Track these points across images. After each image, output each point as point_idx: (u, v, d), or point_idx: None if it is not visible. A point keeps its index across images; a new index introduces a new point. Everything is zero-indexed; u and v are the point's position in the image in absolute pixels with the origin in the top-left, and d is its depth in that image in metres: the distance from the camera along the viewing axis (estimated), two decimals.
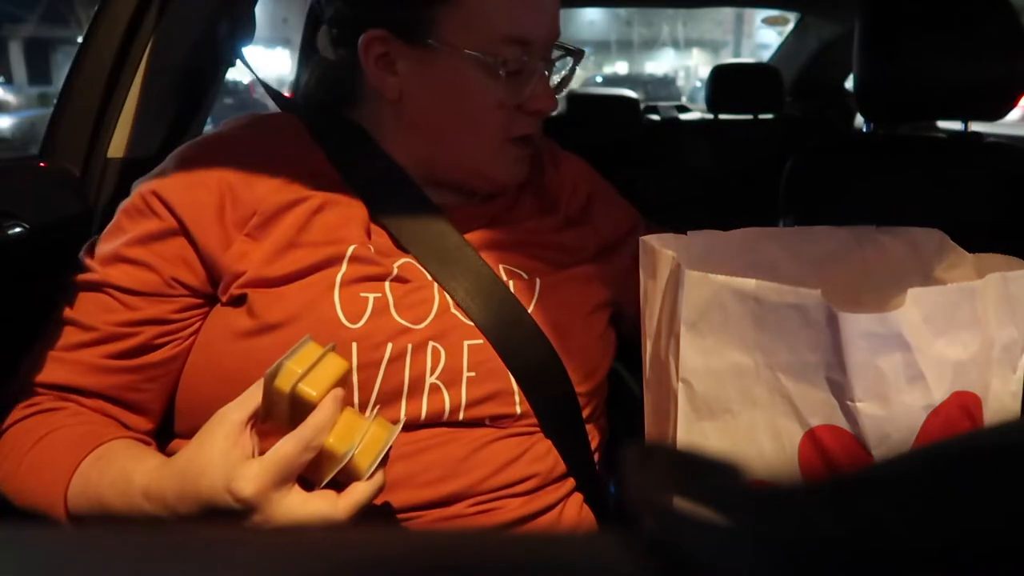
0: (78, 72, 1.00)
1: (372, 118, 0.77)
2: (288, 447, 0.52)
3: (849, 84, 2.04)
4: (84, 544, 0.20)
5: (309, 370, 0.54)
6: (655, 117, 2.62)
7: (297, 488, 0.54)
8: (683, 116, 2.68)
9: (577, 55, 0.80)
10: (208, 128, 1.25)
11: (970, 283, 0.50)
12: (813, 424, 0.50)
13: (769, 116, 2.34)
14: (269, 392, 0.54)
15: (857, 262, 0.66)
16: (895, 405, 0.48)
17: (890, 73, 1.13)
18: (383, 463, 0.56)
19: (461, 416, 0.67)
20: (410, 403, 0.66)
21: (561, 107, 2.63)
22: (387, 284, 0.69)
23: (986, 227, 0.82)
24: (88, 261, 0.70)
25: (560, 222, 0.80)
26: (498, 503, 0.68)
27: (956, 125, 1.28)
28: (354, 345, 0.65)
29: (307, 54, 0.82)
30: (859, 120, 2.33)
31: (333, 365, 0.55)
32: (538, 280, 0.74)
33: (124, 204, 0.71)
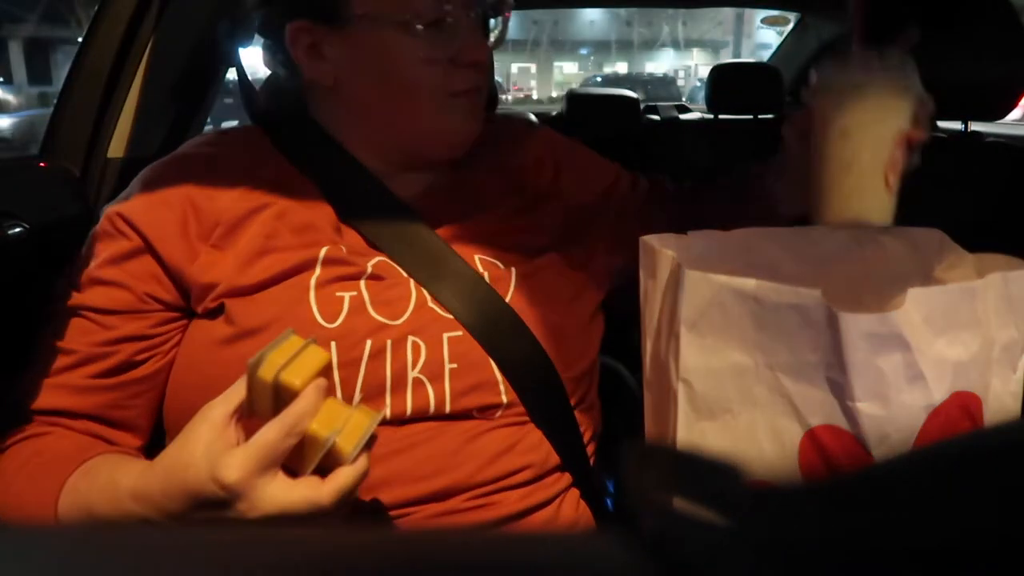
0: (78, 72, 1.00)
1: (327, 117, 0.78)
2: (271, 433, 0.52)
3: None
4: (83, 543, 0.20)
5: (291, 361, 0.54)
6: (655, 117, 2.62)
7: (282, 475, 0.54)
8: (683, 116, 2.68)
9: (507, 4, 0.81)
10: (208, 128, 1.25)
11: (970, 283, 0.50)
12: (813, 424, 0.50)
13: (769, 116, 2.34)
14: (252, 383, 0.54)
15: (857, 262, 0.66)
16: (895, 405, 0.48)
17: None
18: (368, 449, 0.56)
19: (448, 409, 0.67)
20: (394, 398, 0.66)
21: (561, 107, 2.63)
22: (362, 282, 0.69)
23: (986, 227, 0.82)
24: (65, 288, 0.71)
25: (529, 202, 0.80)
26: (495, 497, 0.68)
27: (956, 125, 1.28)
28: (333, 344, 0.65)
29: (268, 75, 0.84)
30: None
31: (315, 356, 0.56)
32: (513, 269, 0.74)
33: (93, 230, 0.73)
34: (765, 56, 3.28)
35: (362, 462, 0.55)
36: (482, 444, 0.68)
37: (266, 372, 0.53)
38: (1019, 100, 1.15)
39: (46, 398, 0.68)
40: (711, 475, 0.20)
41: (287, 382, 0.53)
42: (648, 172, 0.97)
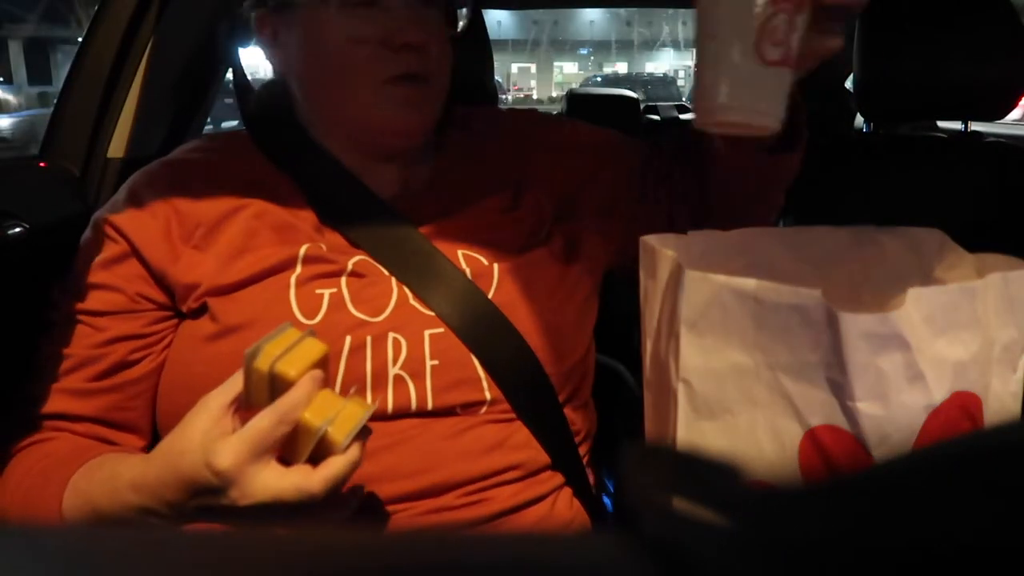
0: (78, 72, 1.00)
1: (301, 112, 0.79)
2: (264, 421, 0.53)
3: (849, 84, 2.04)
4: (84, 544, 0.20)
5: (288, 351, 0.55)
6: (655, 117, 2.62)
7: (274, 463, 0.54)
8: (683, 116, 2.68)
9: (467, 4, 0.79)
10: (208, 128, 1.25)
11: (970, 283, 0.50)
12: (813, 424, 0.50)
13: None
14: (248, 373, 0.55)
15: (857, 262, 0.66)
16: (895, 405, 0.48)
17: (890, 73, 1.13)
18: (362, 440, 0.56)
19: (430, 405, 0.67)
20: (375, 395, 0.66)
21: (561, 106, 2.63)
22: (343, 280, 0.70)
23: (986, 227, 0.82)
24: (60, 295, 0.72)
25: (513, 193, 0.79)
26: (488, 493, 0.68)
27: (956, 125, 1.28)
28: None
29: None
30: (859, 120, 2.33)
31: (311, 348, 0.56)
32: (496, 264, 0.74)
33: (84, 236, 0.75)
34: None
35: (354, 451, 0.55)
36: (468, 441, 0.68)
37: (262, 362, 0.54)
38: (1019, 100, 1.15)
39: (48, 403, 0.68)
40: (711, 475, 0.20)
41: (282, 372, 0.54)
42: None
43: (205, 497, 0.54)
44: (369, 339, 0.67)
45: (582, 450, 0.77)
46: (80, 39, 1.03)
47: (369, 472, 0.64)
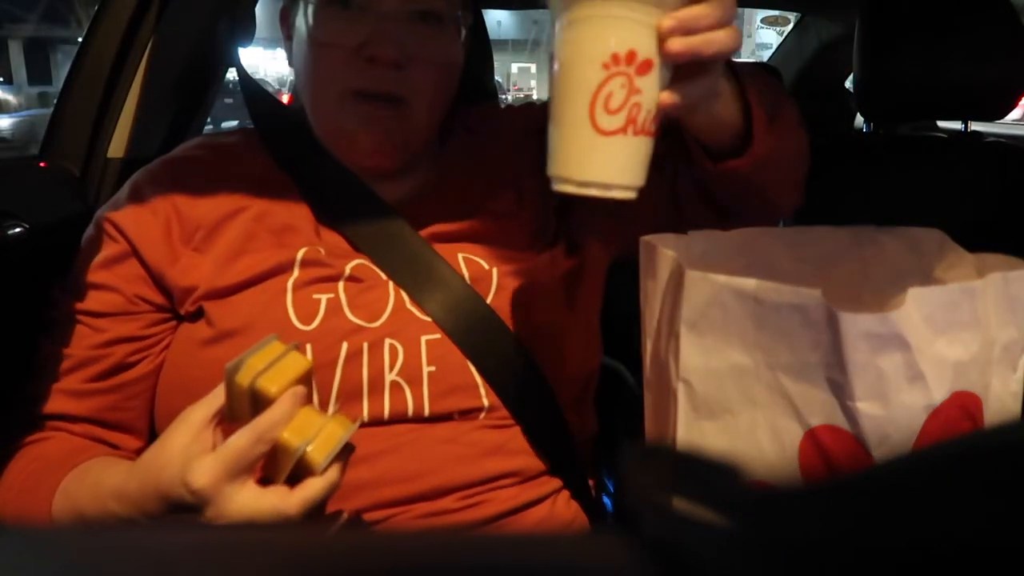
0: (78, 72, 1.00)
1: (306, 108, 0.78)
2: (241, 440, 0.52)
3: (849, 84, 2.04)
4: (82, 545, 0.20)
5: (269, 367, 0.54)
6: None
7: (251, 483, 0.53)
8: None
9: (465, 21, 0.73)
10: (208, 128, 1.25)
11: (970, 283, 0.50)
12: (813, 424, 0.50)
13: None
14: (230, 388, 0.54)
15: (857, 262, 0.66)
16: (895, 405, 0.48)
17: (890, 73, 1.13)
18: (342, 460, 0.55)
19: (427, 412, 0.67)
20: (371, 402, 0.66)
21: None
22: (340, 285, 0.69)
23: (986, 227, 0.82)
24: (61, 293, 0.72)
25: (513, 197, 0.78)
26: (486, 495, 0.68)
27: (956, 125, 1.28)
28: (309, 347, 0.66)
29: None
30: (859, 120, 2.33)
31: (295, 363, 0.55)
32: (496, 269, 0.73)
33: (85, 234, 0.74)
34: (765, 56, 3.28)
35: (332, 473, 0.54)
36: (466, 444, 0.67)
37: (243, 377, 0.53)
38: (1019, 100, 1.15)
39: (47, 403, 0.68)
40: (711, 475, 0.20)
41: (263, 389, 0.53)
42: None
43: (183, 514, 0.53)
44: (366, 345, 0.66)
45: (583, 451, 0.76)
46: (80, 39, 1.03)
47: (366, 476, 0.64)
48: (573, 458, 0.74)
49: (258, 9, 1.02)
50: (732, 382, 0.52)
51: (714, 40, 0.51)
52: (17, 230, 0.80)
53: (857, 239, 0.67)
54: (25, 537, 0.20)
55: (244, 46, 0.85)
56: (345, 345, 0.66)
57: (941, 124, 1.67)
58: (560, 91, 0.51)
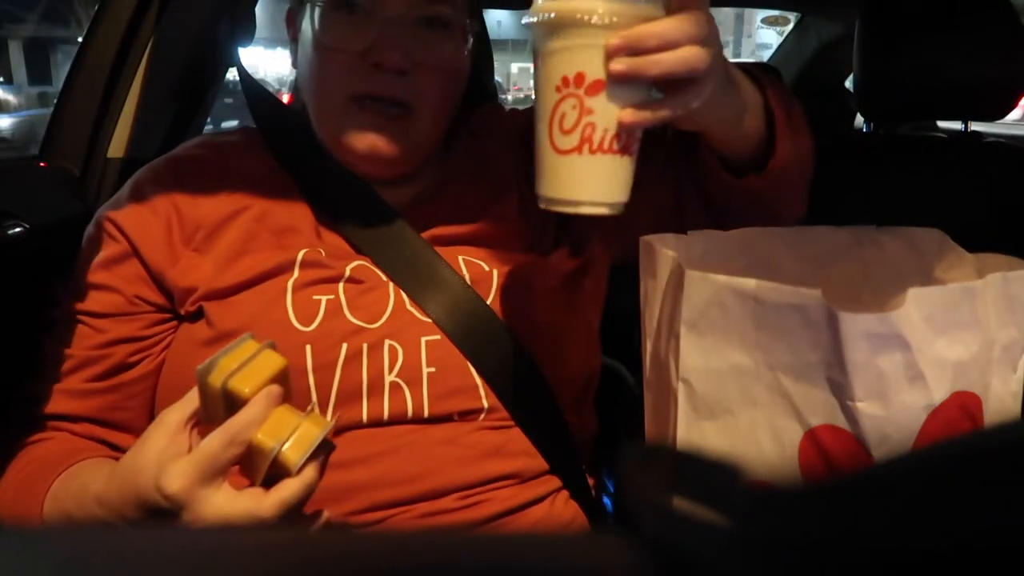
0: (78, 72, 1.00)
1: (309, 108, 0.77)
2: (214, 443, 0.51)
3: (849, 84, 2.04)
4: (80, 545, 0.20)
5: (242, 366, 0.53)
6: None
7: (226, 486, 0.53)
8: None
9: (478, 36, 0.74)
10: (208, 128, 1.25)
11: (970, 283, 0.50)
12: (813, 424, 0.50)
13: None
14: (203, 389, 0.53)
15: (857, 262, 0.66)
16: (895, 405, 0.48)
17: (890, 73, 1.13)
18: (319, 458, 0.54)
19: (426, 413, 0.67)
20: (371, 403, 0.66)
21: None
22: (340, 286, 0.69)
23: (986, 227, 0.82)
24: (60, 293, 0.72)
25: (515, 201, 0.78)
26: (486, 495, 0.67)
27: (956, 125, 1.28)
28: (308, 348, 0.65)
29: None
30: (859, 120, 2.33)
31: (268, 361, 0.54)
32: (496, 270, 0.73)
33: (86, 232, 0.74)
34: (765, 56, 3.28)
35: (308, 473, 0.53)
36: (465, 446, 0.67)
37: (216, 378, 0.52)
38: (1019, 100, 1.15)
39: (48, 403, 0.68)
40: (711, 475, 0.20)
41: (235, 389, 0.52)
42: None
43: (160, 518, 0.52)
44: (365, 346, 0.66)
45: (583, 451, 0.76)
46: (80, 39, 1.03)
47: (365, 477, 0.64)
48: (573, 459, 0.74)
49: (258, 9, 1.02)
50: (732, 382, 0.52)
51: (661, 61, 0.50)
52: (17, 230, 0.80)
53: (857, 239, 0.67)
54: (13, 538, 0.20)
55: (244, 46, 0.85)
56: (345, 346, 0.66)
57: (941, 124, 1.67)
58: (534, 118, 0.54)
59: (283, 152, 0.76)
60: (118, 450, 0.70)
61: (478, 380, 0.68)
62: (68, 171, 0.98)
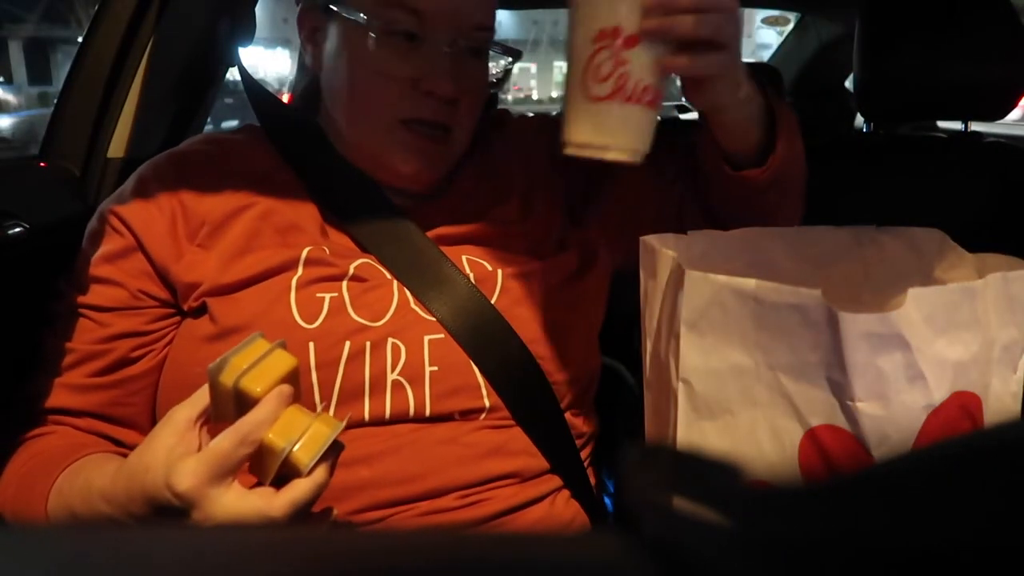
0: (78, 72, 1.00)
1: (324, 112, 0.78)
2: (224, 442, 0.52)
3: (849, 84, 2.04)
4: (82, 544, 0.20)
5: (253, 366, 0.53)
6: None
7: (236, 485, 0.53)
8: (683, 116, 2.68)
9: (513, 55, 0.78)
10: (208, 128, 1.25)
11: (970, 283, 0.50)
12: (813, 424, 0.50)
13: None
14: (214, 388, 0.53)
15: (857, 262, 0.66)
16: (895, 405, 0.48)
17: (890, 73, 1.13)
18: (330, 459, 0.54)
19: (428, 412, 0.67)
20: (373, 401, 0.66)
21: (561, 107, 2.62)
22: (344, 284, 0.69)
23: (986, 227, 0.82)
24: (65, 287, 0.72)
25: (521, 204, 0.79)
26: (487, 494, 0.68)
27: (956, 125, 1.28)
28: (311, 345, 0.65)
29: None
30: (859, 120, 2.33)
31: (279, 361, 0.54)
32: (500, 271, 0.73)
33: (90, 227, 0.74)
34: (765, 56, 3.28)
35: (319, 474, 0.53)
36: (466, 445, 0.67)
37: (227, 377, 0.52)
38: (1019, 100, 1.15)
39: (50, 398, 0.68)
40: (711, 475, 0.20)
41: (247, 389, 0.52)
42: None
43: (168, 516, 0.52)
44: (368, 344, 0.66)
45: (583, 452, 0.76)
46: (80, 39, 1.03)
47: (366, 477, 0.64)
48: (573, 458, 0.74)
49: (258, 9, 1.02)
50: (732, 382, 0.52)
51: (691, 21, 0.56)
52: (17, 230, 0.80)
53: (857, 239, 0.67)
54: (20, 535, 0.20)
55: (244, 46, 0.85)
56: (348, 344, 0.66)
57: (941, 124, 1.67)
58: (567, 66, 0.58)
59: (289, 151, 0.76)
60: (120, 445, 0.70)
61: (480, 379, 0.69)
62: (68, 171, 0.98)
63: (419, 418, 0.67)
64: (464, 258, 0.73)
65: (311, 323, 0.66)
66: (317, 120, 0.78)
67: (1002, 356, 0.53)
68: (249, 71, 0.82)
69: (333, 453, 0.55)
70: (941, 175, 1.20)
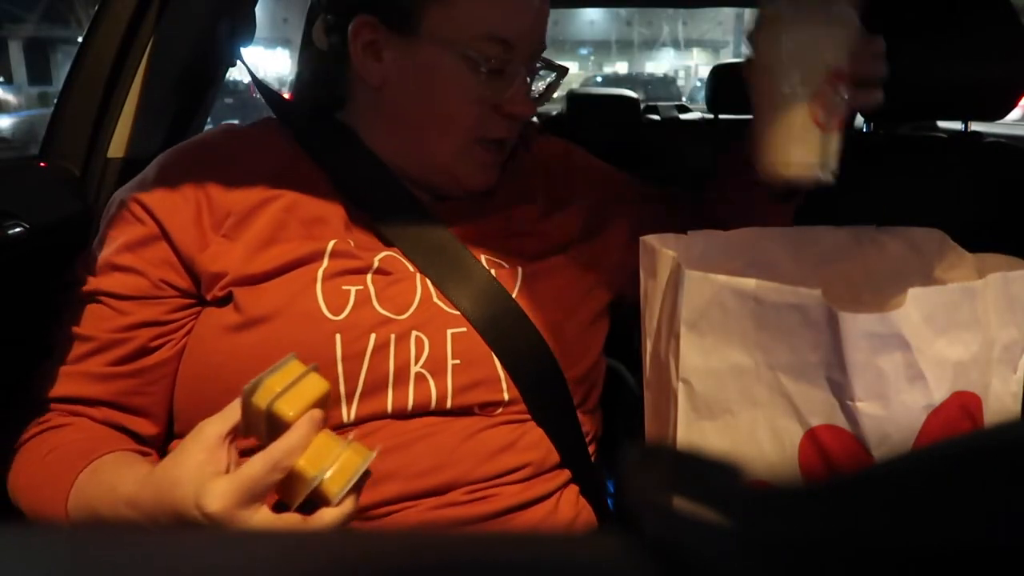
0: (78, 72, 1.00)
1: (356, 113, 0.78)
2: (256, 467, 0.52)
3: None
4: (83, 543, 0.20)
5: (288, 388, 0.53)
6: (655, 117, 2.62)
7: (265, 509, 0.53)
8: (683, 116, 2.68)
9: (561, 71, 0.81)
10: (208, 127, 1.25)
11: (970, 283, 0.50)
12: (813, 424, 0.50)
13: None
14: (247, 408, 0.53)
15: (857, 262, 0.66)
16: (895, 405, 0.48)
17: (890, 73, 1.13)
18: (358, 489, 0.55)
19: (449, 404, 0.68)
20: (396, 393, 0.67)
21: (561, 107, 2.63)
22: (369, 277, 0.70)
23: (986, 227, 0.82)
24: (82, 274, 0.71)
25: (540, 209, 0.80)
26: (494, 491, 0.68)
27: (956, 125, 1.28)
28: (338, 336, 0.66)
29: (306, 46, 0.82)
30: (859, 120, 2.33)
31: (313, 385, 0.55)
32: (520, 268, 0.75)
33: (108, 214, 0.73)
34: None
35: (348, 504, 0.54)
36: (481, 441, 0.68)
37: (261, 399, 0.52)
38: (1019, 100, 1.15)
39: (66, 386, 0.68)
40: (711, 475, 0.20)
41: (280, 412, 0.52)
42: (648, 172, 0.96)
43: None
44: (393, 337, 0.67)
45: (589, 450, 0.77)
46: (80, 39, 1.03)
47: (377, 471, 0.64)
48: (583, 454, 0.75)
49: (258, 9, 1.02)
50: (732, 382, 0.52)
51: (881, 64, 0.68)
52: (17, 230, 0.80)
53: (857, 239, 0.67)
54: (23, 536, 0.20)
55: (244, 46, 0.85)
56: (373, 336, 0.67)
57: (941, 124, 1.67)
58: (781, 95, 0.64)
59: (313, 146, 0.76)
60: (136, 436, 0.70)
61: (501, 372, 0.70)
62: (68, 171, 0.98)
63: (440, 411, 0.67)
64: (483, 257, 0.74)
65: (337, 315, 0.67)
66: (338, 117, 0.79)
67: (1002, 356, 0.53)
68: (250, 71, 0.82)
69: (361, 482, 0.55)
70: (941, 175, 1.20)
